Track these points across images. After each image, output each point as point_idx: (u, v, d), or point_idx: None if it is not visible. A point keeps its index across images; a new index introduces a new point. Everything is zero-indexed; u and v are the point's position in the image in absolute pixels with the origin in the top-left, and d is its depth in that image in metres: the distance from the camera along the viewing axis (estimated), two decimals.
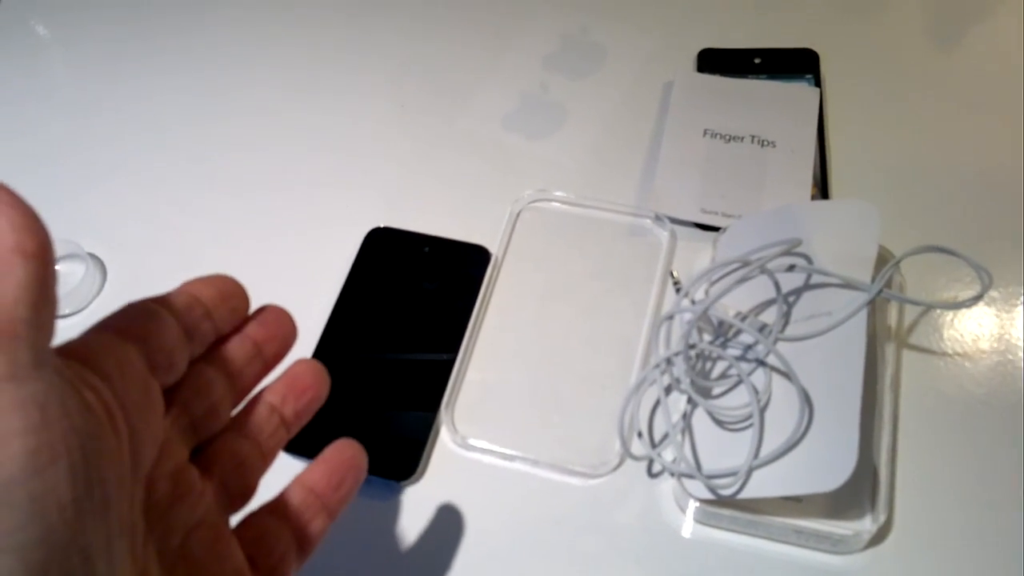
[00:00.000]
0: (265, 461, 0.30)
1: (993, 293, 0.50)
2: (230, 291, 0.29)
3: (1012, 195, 0.54)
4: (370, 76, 0.65)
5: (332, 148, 0.61)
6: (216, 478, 0.28)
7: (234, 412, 0.30)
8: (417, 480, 0.46)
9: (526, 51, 0.65)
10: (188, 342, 0.27)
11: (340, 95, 0.64)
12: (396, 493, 0.46)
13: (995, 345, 0.48)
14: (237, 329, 0.30)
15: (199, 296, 0.28)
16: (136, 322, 0.25)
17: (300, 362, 0.32)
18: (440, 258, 0.53)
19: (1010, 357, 0.48)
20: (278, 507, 0.30)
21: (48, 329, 0.20)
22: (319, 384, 0.32)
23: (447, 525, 0.45)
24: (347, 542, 0.45)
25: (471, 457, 0.47)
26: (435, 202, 0.57)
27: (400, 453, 0.46)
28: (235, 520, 0.30)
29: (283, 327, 0.31)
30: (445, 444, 0.47)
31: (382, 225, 0.55)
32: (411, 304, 0.52)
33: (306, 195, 0.59)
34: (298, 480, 0.31)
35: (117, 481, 0.22)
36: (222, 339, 0.29)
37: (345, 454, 0.32)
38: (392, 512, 0.45)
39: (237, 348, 0.30)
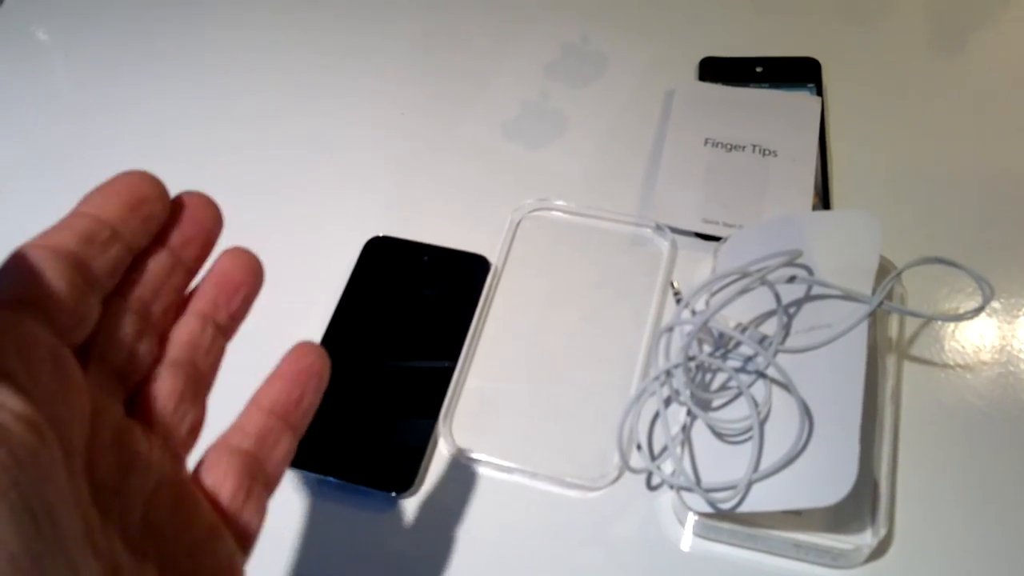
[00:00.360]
0: (207, 380, 0.27)
1: (995, 304, 0.50)
2: (140, 196, 0.25)
3: (1015, 204, 0.54)
4: (370, 82, 0.65)
5: (331, 155, 0.61)
6: (159, 426, 0.25)
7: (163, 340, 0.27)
8: (415, 492, 0.46)
9: (527, 59, 0.65)
10: (95, 284, 0.23)
11: (340, 101, 0.64)
12: (393, 505, 0.46)
13: (997, 356, 0.48)
14: (156, 239, 0.26)
15: (101, 215, 0.24)
16: (26, 284, 0.21)
17: (226, 254, 0.28)
18: (439, 267, 0.53)
19: (1012, 369, 0.48)
20: (236, 439, 0.27)
21: None
22: (252, 276, 0.28)
23: (444, 537, 0.45)
24: (344, 554, 0.44)
25: (469, 469, 0.47)
26: (435, 211, 0.57)
27: (398, 464, 0.46)
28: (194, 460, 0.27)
29: (202, 219, 0.27)
30: (443, 455, 0.47)
31: (381, 234, 0.55)
32: (410, 314, 0.52)
33: (304, 203, 0.58)
34: (254, 403, 0.28)
35: (59, 497, 0.19)
36: (138, 256, 0.25)
37: (302, 363, 0.28)
38: (389, 524, 0.45)
39: (151, 267, 0.25)
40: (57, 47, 0.70)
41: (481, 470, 0.46)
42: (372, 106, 0.63)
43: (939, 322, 0.49)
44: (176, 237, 0.26)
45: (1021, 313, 0.50)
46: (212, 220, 0.27)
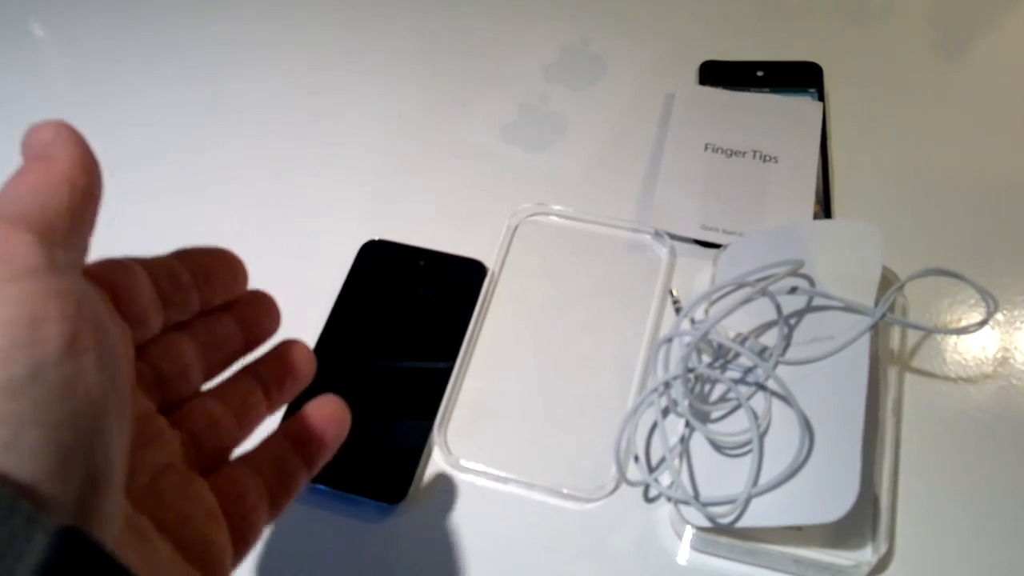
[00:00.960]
0: (241, 430, 0.30)
1: (998, 316, 0.49)
2: (226, 264, 0.29)
3: (1020, 214, 0.53)
4: (368, 84, 0.64)
5: (327, 158, 0.60)
6: (186, 431, 0.28)
7: (214, 383, 0.30)
8: (408, 502, 0.45)
9: (526, 62, 0.64)
10: (164, 306, 0.27)
11: (337, 103, 0.63)
12: (387, 515, 0.45)
13: (1000, 369, 0.47)
14: (227, 304, 0.30)
15: (191, 264, 0.28)
16: (109, 272, 0.25)
17: (288, 342, 0.32)
18: (435, 272, 0.52)
19: (1015, 382, 0.47)
20: (253, 458, 0.30)
21: (83, 247, 0.22)
22: (306, 364, 0.31)
23: (438, 549, 0.44)
24: (335, 565, 0.44)
25: (464, 479, 0.46)
26: (431, 214, 0.56)
27: (392, 475, 0.45)
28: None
29: (266, 312, 0.31)
30: (438, 465, 0.46)
31: (377, 238, 0.54)
32: (405, 320, 0.51)
33: (299, 207, 0.58)
34: (277, 432, 0.31)
35: (130, 388, 0.22)
36: (207, 311, 0.29)
37: (327, 409, 0.31)
38: (381, 535, 0.44)
39: (216, 321, 0.29)
40: (52, 43, 0.69)
41: (476, 480, 0.46)
42: (370, 108, 0.62)
43: (942, 335, 0.49)
44: (243, 313, 0.30)
45: None
46: (271, 313, 0.31)
